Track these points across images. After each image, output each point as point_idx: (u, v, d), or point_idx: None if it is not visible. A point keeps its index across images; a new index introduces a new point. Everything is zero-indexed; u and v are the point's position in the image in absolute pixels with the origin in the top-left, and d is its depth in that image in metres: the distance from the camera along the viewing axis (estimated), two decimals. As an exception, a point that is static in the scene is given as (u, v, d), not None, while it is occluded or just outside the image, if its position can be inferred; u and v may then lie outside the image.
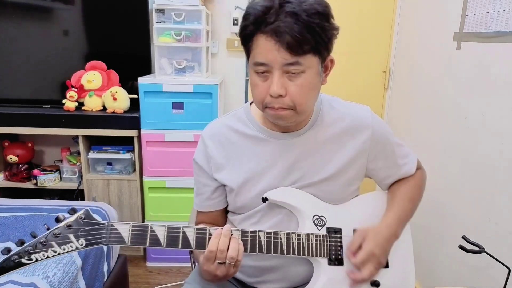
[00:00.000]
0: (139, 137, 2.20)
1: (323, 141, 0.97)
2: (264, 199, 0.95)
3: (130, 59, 2.37)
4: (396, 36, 2.52)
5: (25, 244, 0.79)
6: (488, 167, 1.47)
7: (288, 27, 0.78)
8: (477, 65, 1.56)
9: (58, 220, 0.82)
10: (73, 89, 2.25)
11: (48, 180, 2.27)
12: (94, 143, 2.28)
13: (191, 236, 0.86)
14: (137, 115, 2.16)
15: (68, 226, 0.81)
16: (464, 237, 1.14)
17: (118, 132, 2.18)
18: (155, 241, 0.84)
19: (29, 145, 2.35)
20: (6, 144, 2.31)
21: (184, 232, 0.85)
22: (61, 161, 2.36)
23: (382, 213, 1.02)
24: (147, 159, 2.19)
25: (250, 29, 0.83)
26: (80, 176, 2.28)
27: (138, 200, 2.29)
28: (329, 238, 0.95)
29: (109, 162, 2.27)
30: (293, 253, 0.91)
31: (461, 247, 1.09)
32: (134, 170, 2.30)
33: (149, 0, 2.28)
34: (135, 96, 2.22)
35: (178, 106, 2.13)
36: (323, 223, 0.96)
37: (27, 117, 2.18)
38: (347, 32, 2.53)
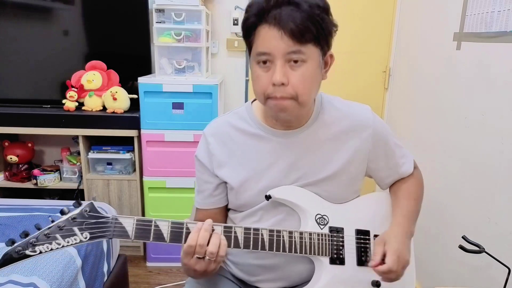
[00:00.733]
0: (139, 137, 2.20)
1: (324, 140, 0.98)
2: (268, 197, 0.95)
3: (130, 59, 2.37)
4: (396, 36, 2.53)
5: (29, 236, 0.79)
6: (488, 167, 1.47)
7: (291, 15, 0.80)
8: (477, 65, 1.56)
9: (62, 212, 0.82)
10: (73, 89, 2.25)
11: (48, 180, 2.27)
12: (94, 143, 2.28)
13: None
14: (137, 115, 2.17)
15: (73, 219, 0.81)
16: (464, 237, 1.14)
17: (118, 132, 2.18)
18: (159, 236, 0.84)
19: (29, 145, 2.35)
20: (6, 144, 2.31)
21: (187, 228, 0.86)
22: (61, 161, 2.36)
23: (384, 214, 1.03)
24: (147, 159, 2.19)
25: (252, 20, 0.84)
26: (80, 176, 2.28)
27: (138, 200, 2.29)
28: (331, 237, 0.95)
29: (109, 162, 2.27)
30: (295, 251, 0.91)
31: (461, 247, 1.10)
32: (134, 170, 2.30)
33: (149, 0, 2.29)
34: (135, 96, 2.22)
35: (178, 106, 2.13)
36: (326, 222, 0.96)
37: (27, 117, 2.18)
38: (347, 32, 2.55)
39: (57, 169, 2.33)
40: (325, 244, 0.94)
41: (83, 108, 2.27)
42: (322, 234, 0.94)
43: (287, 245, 0.91)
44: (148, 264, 2.33)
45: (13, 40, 2.28)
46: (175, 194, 2.24)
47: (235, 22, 2.49)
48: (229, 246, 0.88)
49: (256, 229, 0.89)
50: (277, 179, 0.97)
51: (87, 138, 2.23)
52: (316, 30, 0.82)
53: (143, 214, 2.31)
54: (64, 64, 2.33)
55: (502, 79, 1.42)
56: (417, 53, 2.18)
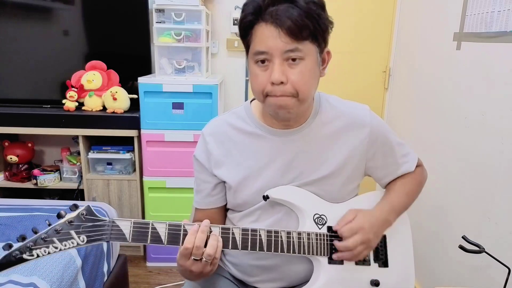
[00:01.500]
0: (139, 137, 2.20)
1: (321, 139, 0.97)
2: (265, 197, 0.95)
3: (130, 59, 2.38)
4: (396, 36, 2.53)
5: (26, 240, 0.79)
6: (488, 167, 1.47)
7: (288, 12, 0.80)
8: (477, 65, 1.56)
9: (59, 216, 0.81)
10: (73, 89, 2.25)
11: (48, 180, 2.27)
12: (94, 143, 2.29)
13: None
14: (137, 115, 2.17)
15: (70, 222, 0.81)
16: (464, 237, 1.14)
17: (118, 132, 2.18)
18: (156, 238, 0.84)
19: (29, 145, 2.35)
20: (6, 144, 2.31)
21: (185, 230, 0.85)
22: (61, 161, 2.36)
23: None
24: (147, 159, 2.19)
25: (249, 19, 0.84)
26: (80, 176, 2.28)
27: (138, 200, 2.29)
28: (329, 237, 0.95)
29: (109, 162, 2.27)
30: (294, 252, 0.91)
31: (461, 247, 1.09)
32: (134, 170, 2.30)
33: (149, 0, 2.29)
34: (135, 96, 2.22)
35: (178, 106, 2.13)
36: (324, 222, 0.96)
37: (27, 117, 2.18)
38: (347, 32, 2.55)
39: (57, 169, 2.33)
40: (324, 244, 0.94)
41: (83, 108, 2.27)
42: (320, 234, 0.94)
43: (285, 246, 0.91)
44: (148, 264, 2.33)
45: (13, 40, 2.28)
46: (175, 194, 2.24)
47: (235, 22, 2.49)
48: (227, 247, 0.87)
49: (254, 230, 0.89)
50: (275, 178, 0.96)
51: (87, 138, 2.24)
52: (313, 27, 0.82)
53: (143, 214, 2.31)
54: (64, 64, 2.34)
55: (502, 79, 1.41)
56: (417, 53, 2.18)
